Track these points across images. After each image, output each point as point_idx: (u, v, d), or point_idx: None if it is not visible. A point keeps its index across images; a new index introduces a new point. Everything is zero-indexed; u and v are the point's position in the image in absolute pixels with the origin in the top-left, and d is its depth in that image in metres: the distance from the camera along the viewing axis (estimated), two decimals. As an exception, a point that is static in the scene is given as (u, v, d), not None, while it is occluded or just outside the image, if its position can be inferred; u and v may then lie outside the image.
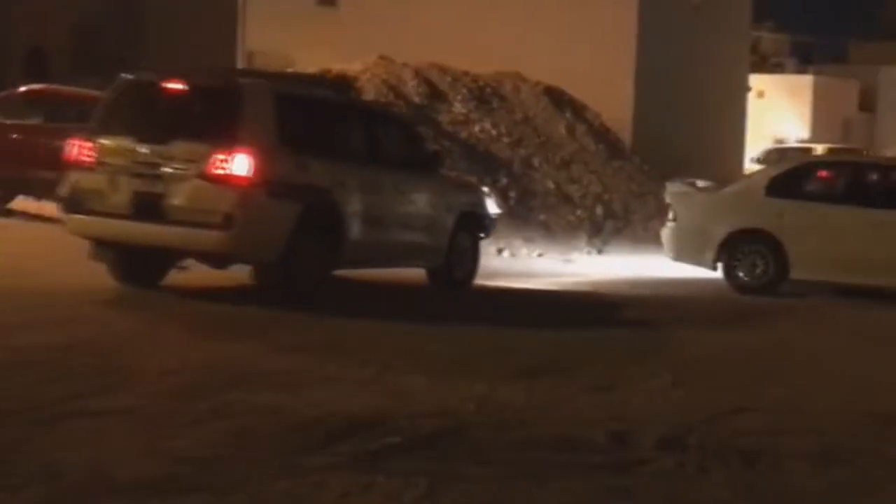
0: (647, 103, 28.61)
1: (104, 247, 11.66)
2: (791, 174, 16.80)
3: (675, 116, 29.00)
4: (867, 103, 56.99)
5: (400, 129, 14.16)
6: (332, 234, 11.76)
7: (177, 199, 11.00)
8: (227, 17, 35.37)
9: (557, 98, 25.99)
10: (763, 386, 9.25)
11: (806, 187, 16.58)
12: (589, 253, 21.62)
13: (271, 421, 6.95)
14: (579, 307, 14.10)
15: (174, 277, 12.37)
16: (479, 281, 14.66)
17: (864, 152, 39.28)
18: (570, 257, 20.74)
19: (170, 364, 8.43)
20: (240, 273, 11.90)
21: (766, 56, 63.72)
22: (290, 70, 23.71)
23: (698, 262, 16.59)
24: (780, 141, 46.25)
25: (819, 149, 41.66)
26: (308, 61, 27.20)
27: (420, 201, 13.37)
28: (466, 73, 25.33)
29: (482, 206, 14.69)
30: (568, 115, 25.77)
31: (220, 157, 10.87)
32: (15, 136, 17.96)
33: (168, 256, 11.98)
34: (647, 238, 22.22)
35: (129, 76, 12.01)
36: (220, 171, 10.87)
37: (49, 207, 18.26)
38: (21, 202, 18.46)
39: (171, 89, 11.57)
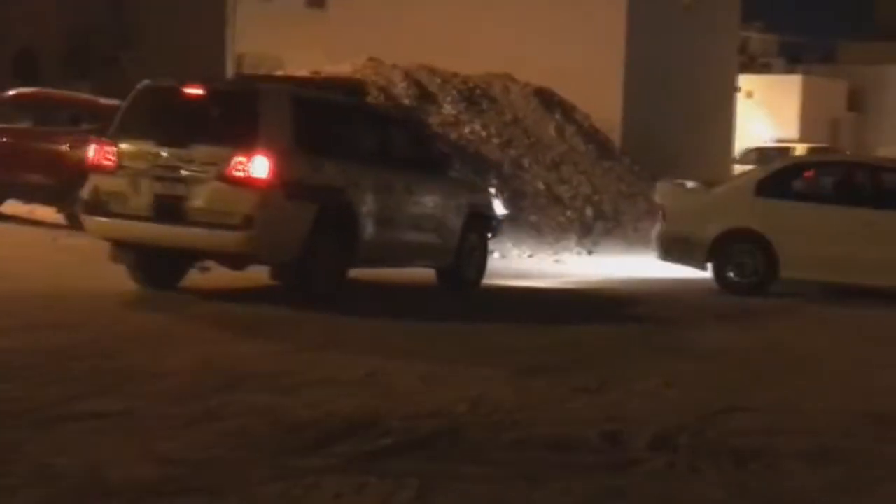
0: (636, 104, 28.68)
1: (124, 249, 11.89)
2: (780, 174, 16.86)
3: (665, 117, 29.07)
4: (855, 103, 57.09)
5: (411, 131, 14.47)
6: (346, 234, 12.02)
7: (197, 200, 11.28)
8: (216, 19, 35.37)
9: (547, 99, 26.02)
10: (755, 386, 9.29)
11: (795, 187, 16.65)
12: (579, 254, 21.66)
13: (266, 422, 6.97)
14: (571, 306, 14.14)
15: (194, 279, 12.55)
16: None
17: (846, 152, 39.26)
18: (560, 258, 20.78)
19: (167, 365, 8.46)
20: (255, 274, 12.08)
21: (755, 56, 63.78)
22: (279, 72, 23.71)
23: (688, 263, 16.63)
24: (780, 140, 46.22)
25: (798, 148, 41.64)
26: (297, 63, 27.24)
27: (430, 202, 13.63)
28: (456, 75, 25.36)
29: (489, 206, 15.01)
30: (558, 116, 25.80)
31: (240, 159, 11.14)
32: (5, 139, 17.93)
33: (186, 258, 12.22)
34: (637, 238, 22.28)
35: (149, 82, 12.22)
36: (240, 174, 11.16)
37: (40, 211, 18.28)
38: (11, 206, 18.44)
39: (191, 94, 11.83)
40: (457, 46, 27.34)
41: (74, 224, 17.25)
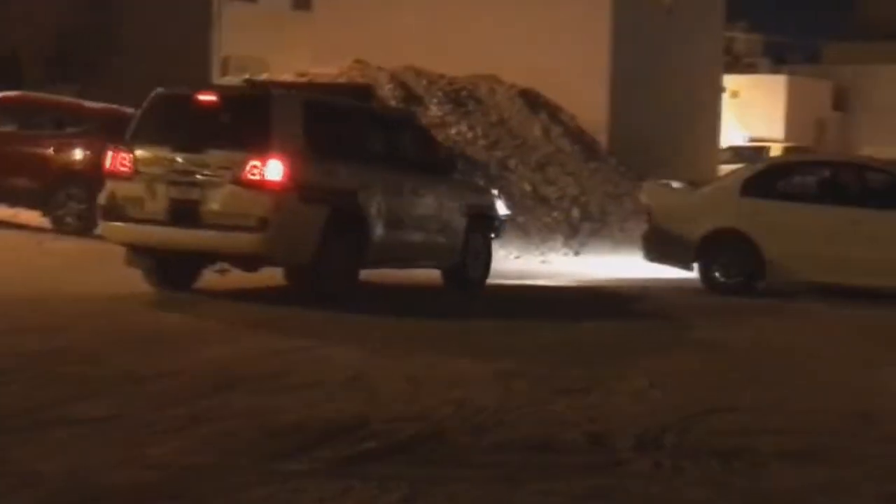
0: (622, 104, 28.66)
1: (140, 253, 12.12)
2: (765, 174, 16.88)
3: (651, 117, 29.06)
4: (841, 103, 57.19)
5: (417, 135, 14.68)
6: (356, 235, 12.30)
7: (212, 204, 11.57)
8: (201, 22, 35.30)
9: (533, 100, 26.04)
10: (741, 386, 9.29)
11: (780, 187, 16.66)
12: (566, 254, 21.67)
13: (250, 426, 6.97)
14: (563, 305, 14.17)
15: (208, 280, 12.75)
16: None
17: (818, 153, 39.23)
18: (546, 259, 20.78)
19: (155, 369, 8.45)
20: (267, 275, 12.31)
21: (740, 56, 63.83)
22: (265, 75, 23.69)
23: (674, 263, 16.65)
24: (753, 140, 46.25)
25: (774, 148, 41.63)
26: (283, 66, 27.19)
27: (437, 203, 13.91)
28: (442, 76, 25.37)
29: (493, 208, 15.30)
30: (543, 117, 25.81)
31: (254, 163, 11.41)
32: (-10, 143, 17.86)
33: (200, 261, 12.51)
34: (623, 239, 22.28)
35: (163, 89, 12.43)
36: (254, 177, 11.45)
37: (24, 215, 18.23)
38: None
39: (205, 101, 12.09)
40: (442, 48, 27.31)
41: (59, 228, 17.26)
